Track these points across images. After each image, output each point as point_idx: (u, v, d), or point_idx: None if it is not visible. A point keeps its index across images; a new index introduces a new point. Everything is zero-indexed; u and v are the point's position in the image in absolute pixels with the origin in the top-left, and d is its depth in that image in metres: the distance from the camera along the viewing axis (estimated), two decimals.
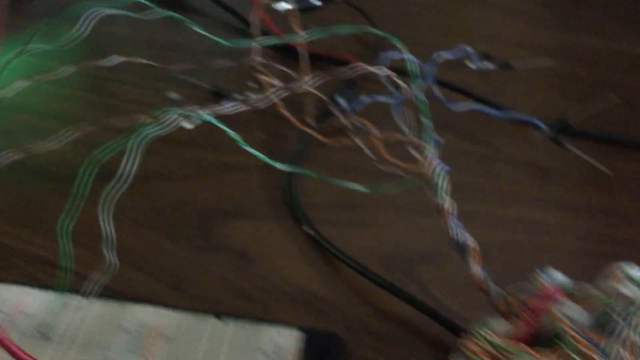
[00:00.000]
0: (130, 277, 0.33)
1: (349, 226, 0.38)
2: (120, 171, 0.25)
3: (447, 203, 0.30)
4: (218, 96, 0.47)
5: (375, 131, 0.39)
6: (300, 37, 0.37)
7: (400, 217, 0.38)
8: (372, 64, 0.35)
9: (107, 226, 0.25)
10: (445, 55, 0.49)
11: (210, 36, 0.32)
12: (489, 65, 0.54)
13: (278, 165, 0.32)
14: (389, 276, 0.34)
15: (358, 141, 0.35)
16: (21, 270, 0.33)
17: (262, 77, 0.47)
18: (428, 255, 0.36)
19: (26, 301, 0.30)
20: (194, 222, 0.37)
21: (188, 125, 0.29)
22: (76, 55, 0.34)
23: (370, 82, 0.51)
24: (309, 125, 0.43)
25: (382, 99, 0.45)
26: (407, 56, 0.32)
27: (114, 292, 0.31)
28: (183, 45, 0.53)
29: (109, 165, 0.24)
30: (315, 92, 0.40)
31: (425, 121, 0.33)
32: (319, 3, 0.55)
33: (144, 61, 0.38)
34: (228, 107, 0.26)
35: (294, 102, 0.46)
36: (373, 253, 0.36)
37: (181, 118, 0.27)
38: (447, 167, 0.32)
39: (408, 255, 0.36)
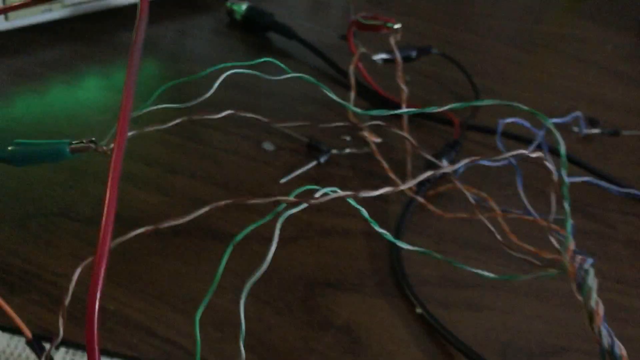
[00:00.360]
0: (230, 351, 0.31)
1: (462, 308, 0.35)
2: (267, 257, 0.22)
3: (598, 306, 0.27)
4: (312, 149, 0.45)
5: (494, 206, 0.36)
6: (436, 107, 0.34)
7: (520, 302, 0.35)
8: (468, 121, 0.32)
9: (242, 318, 0.23)
10: (555, 120, 0.46)
11: (349, 106, 0.30)
12: (594, 131, 0.51)
13: (401, 244, 0.30)
14: None
15: (483, 218, 0.32)
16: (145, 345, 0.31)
17: (364, 134, 0.44)
18: (552, 350, 0.33)
19: None
20: (297, 293, 0.34)
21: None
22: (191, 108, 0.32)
23: (471, 143, 0.48)
24: (412, 189, 0.40)
25: (486, 162, 0.42)
26: (552, 128, 0.29)
27: None
28: (276, 93, 0.52)
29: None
30: (430, 157, 0.37)
31: (566, 206, 0.30)
32: (414, 54, 0.53)
33: (255, 116, 0.36)
34: (370, 193, 0.24)
35: (392, 161, 0.43)
36: (489, 341, 0.33)
37: (318, 198, 0.25)
38: (591, 260, 0.29)
39: (529, 347, 0.33)
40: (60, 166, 0.41)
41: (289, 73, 0.28)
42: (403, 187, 0.27)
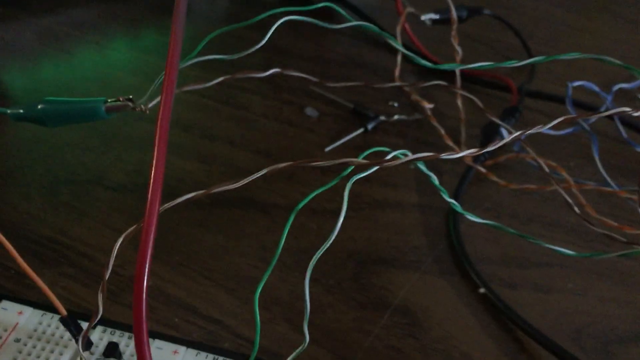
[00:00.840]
0: (281, 332, 0.28)
1: (529, 289, 0.32)
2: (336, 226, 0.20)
3: None
4: (357, 115, 0.42)
5: (567, 177, 0.33)
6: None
7: (594, 283, 0.32)
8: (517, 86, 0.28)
9: (307, 298, 0.20)
10: (623, 85, 0.43)
11: (413, 57, 0.27)
12: None
13: (471, 216, 0.26)
14: (582, 356, 0.28)
15: (560, 189, 0.29)
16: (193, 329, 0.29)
17: (416, 98, 0.41)
18: (630, 336, 0.30)
19: None
20: (349, 270, 0.32)
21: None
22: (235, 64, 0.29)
23: (526, 110, 0.45)
24: (470, 159, 0.37)
25: (550, 132, 0.39)
26: None
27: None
28: (321, 55, 0.48)
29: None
30: (497, 120, 0.34)
31: None
32: (464, 15, 0.49)
33: (303, 75, 0.33)
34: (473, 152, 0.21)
35: (445, 128, 0.40)
36: (560, 325, 0.30)
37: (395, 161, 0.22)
38: None
39: (604, 332, 0.30)
40: (91, 131, 0.38)
41: (350, 21, 0.25)
42: (488, 148, 0.23)
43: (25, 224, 0.32)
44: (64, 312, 0.23)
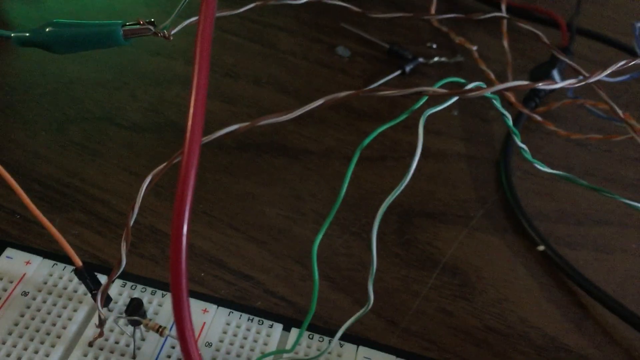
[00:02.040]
0: (321, 292, 0.25)
1: (589, 248, 0.29)
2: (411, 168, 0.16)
3: None
4: (393, 56, 0.38)
5: (636, 124, 0.29)
6: None
7: None
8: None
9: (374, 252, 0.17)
10: None
11: None
12: None
13: (540, 166, 0.23)
14: None
15: (636, 136, 0.26)
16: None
17: (460, 40, 0.37)
18: None
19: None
20: (390, 224, 0.29)
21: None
22: None
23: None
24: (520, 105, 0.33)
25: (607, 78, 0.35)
26: None
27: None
28: None
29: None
30: (562, 57, 0.30)
31: None
32: None
33: (343, 4, 0.29)
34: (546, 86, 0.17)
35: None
36: (625, 288, 0.27)
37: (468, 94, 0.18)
38: None
39: None
40: (103, 65, 0.34)
41: None
42: (559, 84, 0.19)
43: (32, 164, 0.29)
44: (80, 263, 0.20)
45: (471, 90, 0.18)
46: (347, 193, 0.29)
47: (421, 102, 0.19)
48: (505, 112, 0.21)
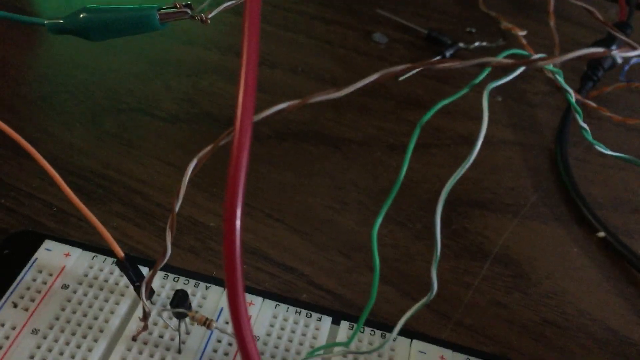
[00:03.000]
0: (366, 283, 0.24)
1: None
2: (474, 150, 0.15)
3: None
4: (432, 41, 0.37)
5: None
6: None
7: None
8: None
9: (438, 237, 0.16)
10: None
11: None
12: None
13: (604, 149, 0.22)
14: None
15: None
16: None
17: (506, 25, 0.36)
18: None
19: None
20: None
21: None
22: None
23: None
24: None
25: None
26: None
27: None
28: None
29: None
30: (617, 32, 0.28)
31: None
32: None
33: None
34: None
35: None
36: None
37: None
38: None
39: None
40: (136, 55, 0.34)
41: None
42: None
43: (68, 156, 0.28)
44: (122, 254, 0.19)
45: (538, 60, 0.16)
46: (389, 182, 0.28)
47: (484, 75, 0.17)
48: (568, 88, 0.19)
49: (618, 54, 0.16)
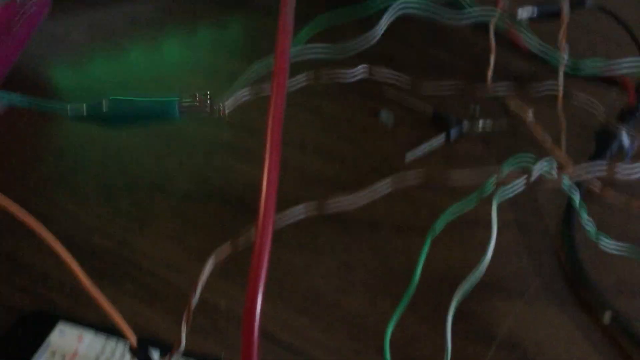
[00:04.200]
0: None
1: None
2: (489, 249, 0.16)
3: None
4: (438, 121, 0.38)
5: None
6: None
7: None
8: None
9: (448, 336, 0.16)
10: None
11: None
12: None
13: (605, 239, 0.22)
14: None
15: None
16: None
17: (513, 102, 0.37)
18: None
19: None
20: (444, 296, 0.28)
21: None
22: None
23: None
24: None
25: None
26: None
27: None
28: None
29: None
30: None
31: None
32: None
33: (393, 73, 0.29)
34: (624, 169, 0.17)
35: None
36: None
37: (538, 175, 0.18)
38: None
39: None
40: (150, 133, 0.35)
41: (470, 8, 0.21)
42: None
43: (81, 233, 0.29)
44: (134, 344, 0.20)
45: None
46: (398, 263, 0.29)
47: (487, 191, 0.18)
48: (574, 191, 0.20)
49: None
